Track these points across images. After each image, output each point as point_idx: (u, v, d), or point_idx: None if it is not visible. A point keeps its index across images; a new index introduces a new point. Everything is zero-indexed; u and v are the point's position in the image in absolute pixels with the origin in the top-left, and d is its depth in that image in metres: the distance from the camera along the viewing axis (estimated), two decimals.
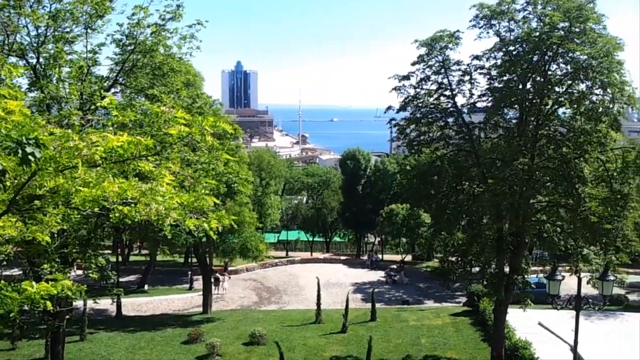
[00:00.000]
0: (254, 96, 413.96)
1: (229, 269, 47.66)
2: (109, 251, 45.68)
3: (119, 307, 35.19)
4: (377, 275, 48.94)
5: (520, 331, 27.71)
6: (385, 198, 57.65)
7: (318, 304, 32.77)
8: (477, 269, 25.05)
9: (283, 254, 61.51)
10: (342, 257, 58.89)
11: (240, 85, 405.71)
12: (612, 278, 16.52)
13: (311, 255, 61.09)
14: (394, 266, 49.24)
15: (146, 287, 44.48)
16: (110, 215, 8.41)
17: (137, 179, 8.33)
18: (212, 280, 41.81)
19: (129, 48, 19.54)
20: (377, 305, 34.76)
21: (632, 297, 38.25)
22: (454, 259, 25.15)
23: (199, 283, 41.75)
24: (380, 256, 57.94)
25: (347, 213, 59.57)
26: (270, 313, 37.07)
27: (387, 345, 27.96)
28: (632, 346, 27.43)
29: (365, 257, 57.40)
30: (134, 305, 39.13)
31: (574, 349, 17.54)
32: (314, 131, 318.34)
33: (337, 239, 71.55)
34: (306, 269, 50.86)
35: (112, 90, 20.59)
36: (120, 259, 44.34)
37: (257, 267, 50.59)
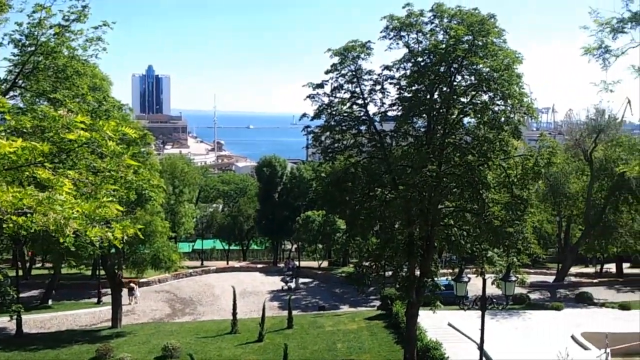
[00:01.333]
0: (167, 101, 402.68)
1: (139, 280, 45.81)
2: (7, 265, 42.62)
3: (18, 324, 32.81)
4: (294, 282, 48.96)
5: (432, 332, 28.67)
6: (302, 205, 57.88)
7: (234, 313, 32.26)
8: (390, 273, 25.65)
9: (198, 263, 60.10)
10: (259, 265, 58.45)
11: (152, 90, 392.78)
12: (513, 278, 17.47)
13: (227, 264, 60.13)
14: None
15: (50, 302, 41.80)
16: (4, 226, 7.81)
17: (33, 187, 7.80)
18: (127, 290, 40.17)
19: (29, 49, 18.42)
20: (294, 312, 34.73)
21: (533, 295, 40.73)
22: (367, 263, 25.62)
23: (108, 297, 39.83)
24: (297, 263, 58.03)
25: (264, 220, 59.24)
26: (184, 325, 36.02)
27: (304, 352, 27.98)
28: (533, 342, 29.20)
29: (282, 265, 57.29)
30: (37, 322, 36.68)
31: (480, 347, 18.32)
32: (230, 138, 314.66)
33: (254, 246, 70.91)
34: (222, 278, 49.97)
35: (11, 93, 19.33)
36: (20, 272, 41.43)
37: (170, 278, 49.04)
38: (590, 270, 58.05)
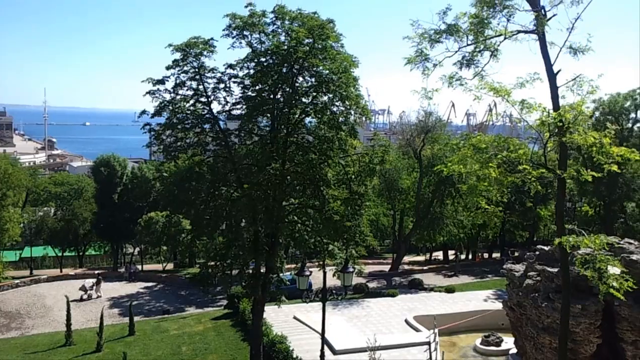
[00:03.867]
0: None
1: None
2: None
3: None
4: (137, 287, 46.74)
5: (278, 327, 29.32)
6: (144, 206, 55.43)
7: (68, 324, 29.99)
8: (237, 271, 25.67)
9: (27, 272, 54.77)
10: (97, 271, 54.77)
11: None
12: (351, 269, 18.47)
13: (61, 271, 55.51)
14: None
15: None
16: None
17: None
18: None
19: None
20: (136, 318, 33.23)
21: (371, 284, 43.34)
22: (213, 263, 25.37)
23: None
24: (140, 267, 55.47)
25: (102, 223, 55.65)
26: (9, 341, 32.60)
27: (147, 359, 26.93)
28: (372, 328, 31.14)
29: (123, 269, 54.34)
30: None
31: (322, 336, 19.13)
32: (63, 136, 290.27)
33: (91, 252, 66.38)
34: (54, 288, 45.98)
35: None
36: None
37: None
38: (421, 258, 63.32)
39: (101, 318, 29.61)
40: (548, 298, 24.58)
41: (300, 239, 24.26)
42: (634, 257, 24.70)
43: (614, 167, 10.35)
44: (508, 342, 29.52)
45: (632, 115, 50.05)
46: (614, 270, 12.41)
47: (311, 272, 19.75)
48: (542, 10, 10.62)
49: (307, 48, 22.54)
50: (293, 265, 37.16)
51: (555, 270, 22.72)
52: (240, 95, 23.83)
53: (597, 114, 49.21)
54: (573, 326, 22.92)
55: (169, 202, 26.98)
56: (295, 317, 32.52)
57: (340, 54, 23.25)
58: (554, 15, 10.60)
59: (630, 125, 50.45)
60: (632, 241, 28.08)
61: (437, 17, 10.93)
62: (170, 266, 57.11)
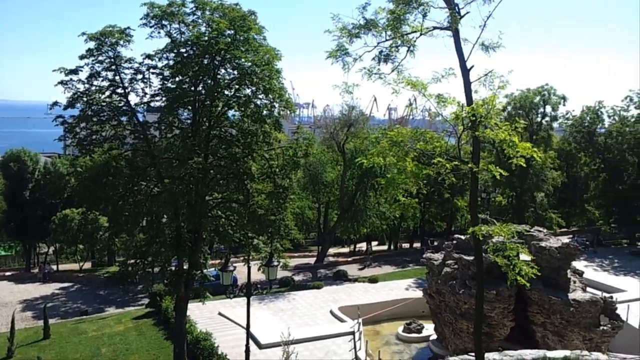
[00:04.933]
0: None
1: None
2: None
3: None
4: (52, 288, 44.43)
5: (202, 324, 28.85)
6: (58, 202, 52.73)
7: None
8: (158, 268, 25.00)
9: None
10: (8, 273, 51.54)
11: None
12: (276, 263, 18.45)
13: None
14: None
15: None
16: None
17: None
18: None
19: None
20: (52, 320, 31.65)
21: (297, 277, 43.54)
22: (134, 261, 24.58)
23: None
24: (54, 267, 52.75)
25: (12, 222, 52.43)
26: None
27: None
28: (297, 321, 31.32)
29: (36, 270, 51.48)
30: None
31: (247, 331, 19.01)
32: None
33: (1, 252, 62.42)
34: None
35: None
36: None
37: None
38: (345, 250, 64.32)
39: (12, 322, 27.90)
40: (465, 285, 25.69)
41: (225, 234, 23.90)
42: (543, 244, 26.31)
43: (522, 162, 10.92)
44: (429, 329, 30.60)
45: (541, 109, 53.07)
46: (525, 257, 13.16)
47: (235, 267, 19.55)
48: (456, 8, 11.01)
49: (229, 39, 22.21)
50: (218, 261, 36.55)
51: (471, 258, 23.73)
52: (160, 86, 23.18)
53: (509, 108, 51.86)
54: (488, 311, 24.11)
55: (84, 199, 25.78)
56: (220, 313, 32.13)
57: (262, 47, 23.06)
58: (467, 13, 11.03)
59: (539, 119, 53.47)
60: (541, 229, 29.86)
61: (357, 12, 11.10)
62: (87, 265, 54.71)
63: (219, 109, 23.28)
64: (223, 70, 23.32)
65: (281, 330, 28.82)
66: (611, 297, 26.54)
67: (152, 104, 23.68)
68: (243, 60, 22.66)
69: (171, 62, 22.85)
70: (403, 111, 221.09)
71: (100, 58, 22.67)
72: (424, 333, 30.81)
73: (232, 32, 22.34)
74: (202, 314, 31.30)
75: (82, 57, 22.65)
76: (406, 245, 63.07)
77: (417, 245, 60.38)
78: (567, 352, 17.76)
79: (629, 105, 53.05)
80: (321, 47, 12.00)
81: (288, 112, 26.83)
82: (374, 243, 61.87)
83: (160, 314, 32.00)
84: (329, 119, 57.70)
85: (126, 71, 23.18)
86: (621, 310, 26.82)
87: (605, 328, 24.40)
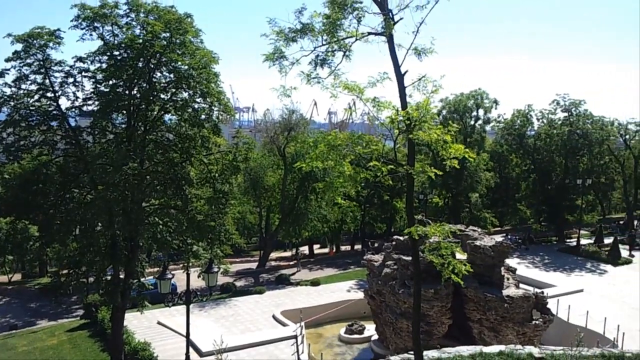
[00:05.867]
0: None
1: None
2: None
3: None
4: None
5: (140, 333, 28.07)
6: None
7: None
8: (93, 278, 24.20)
9: None
10: None
11: None
12: (216, 269, 18.19)
13: None
14: None
15: None
16: None
17: None
18: None
19: None
20: None
21: (239, 283, 43.04)
22: (67, 271, 23.68)
23: None
24: None
25: None
26: None
27: None
28: (240, 327, 31.01)
29: None
30: None
31: (187, 339, 18.65)
32: None
33: None
34: None
35: None
36: None
37: None
38: (287, 254, 64.19)
39: None
40: (404, 285, 26.22)
41: (163, 241, 23.40)
42: (478, 242, 27.22)
43: (455, 163, 11.29)
44: (370, 330, 31.02)
45: (475, 113, 54.95)
46: (460, 256, 13.60)
47: (174, 274, 19.15)
48: (390, 14, 11.26)
49: (165, 42, 21.87)
50: (156, 269, 35.69)
51: (410, 258, 24.24)
52: (92, 90, 22.55)
53: (444, 112, 53.44)
54: (427, 309, 24.72)
55: (12, 207, 24.61)
56: (159, 322, 31.35)
57: (200, 50, 22.82)
58: (400, 19, 11.30)
59: (473, 122, 55.33)
60: (476, 228, 30.91)
61: (294, 16, 11.16)
62: (17, 277, 52.06)
63: (155, 113, 22.84)
64: (159, 74, 22.91)
65: (223, 337, 28.53)
66: (542, 293, 27.80)
67: (84, 108, 22.99)
68: (180, 63, 22.34)
69: (104, 65, 22.25)
70: (343, 115, 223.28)
71: (28, 61, 21.85)
72: (366, 334, 31.20)
73: (168, 34, 22.00)
74: (141, 324, 30.46)
75: (8, 60, 21.77)
76: (347, 248, 63.67)
77: (358, 247, 61.07)
78: (502, 347, 18.42)
79: (556, 109, 55.72)
80: (262, 51, 11.97)
81: (227, 116, 26.61)
82: (315, 246, 62.08)
83: (96, 325, 30.87)
84: (269, 123, 57.51)
85: (56, 74, 22.47)
86: (552, 304, 28.14)
87: (537, 322, 25.50)
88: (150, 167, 22.39)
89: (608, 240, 48.96)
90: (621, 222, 60.23)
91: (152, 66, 22.19)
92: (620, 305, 32.90)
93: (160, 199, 23.46)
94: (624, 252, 46.52)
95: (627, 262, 44.44)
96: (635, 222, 59.49)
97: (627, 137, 60.33)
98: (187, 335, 18.44)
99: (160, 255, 35.18)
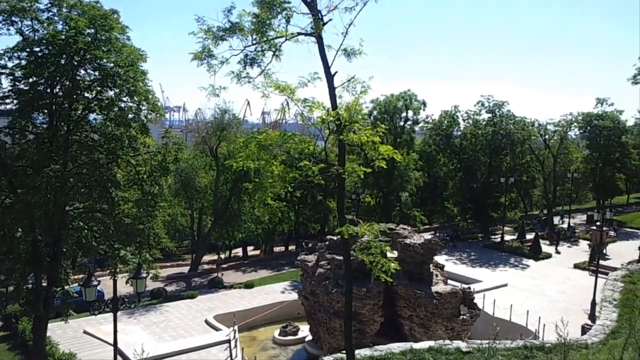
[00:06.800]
0: None
1: None
2: None
3: None
4: None
5: (65, 344, 26.92)
6: None
7: None
8: (13, 287, 22.88)
9: None
10: None
11: None
12: (145, 275, 17.67)
13: None
14: None
15: None
16: None
17: None
18: None
19: None
20: None
21: (170, 288, 42.05)
22: None
23: None
24: None
25: None
26: None
27: None
28: (171, 332, 30.25)
29: None
30: None
31: (114, 348, 18.03)
32: None
33: None
34: None
35: None
36: None
37: None
38: (221, 256, 63.32)
39: None
40: (337, 284, 26.47)
41: (88, 246, 22.44)
42: (408, 240, 27.89)
43: (383, 163, 11.50)
44: (304, 330, 31.10)
45: (404, 114, 56.28)
46: (390, 254, 13.86)
47: (100, 281, 18.43)
48: (319, 15, 11.33)
49: (89, 39, 21.07)
50: (81, 275, 34.21)
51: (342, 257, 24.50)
52: (10, 88, 21.37)
53: (375, 113, 54.41)
54: (359, 308, 25.06)
55: None
56: (85, 332, 30.07)
57: (126, 47, 22.13)
58: (330, 20, 11.38)
59: (402, 123, 56.65)
60: (406, 227, 31.69)
61: (223, 15, 11.00)
62: None
63: (79, 112, 21.91)
64: (83, 71, 22.03)
65: (154, 344, 27.76)
66: (469, 288, 28.84)
67: (1, 107, 21.69)
68: (105, 60, 21.58)
69: (23, 62, 21.11)
70: (277, 115, 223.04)
71: None
72: (300, 335, 31.25)
73: (93, 31, 21.20)
74: (65, 334, 29.13)
75: None
76: (282, 249, 63.58)
77: (292, 248, 61.10)
78: (431, 343, 18.98)
79: (481, 110, 57.92)
80: (193, 49, 11.70)
81: (156, 115, 25.91)
82: (249, 248, 61.59)
83: (16, 337, 29.23)
84: (201, 123, 56.54)
85: None
86: (478, 299, 29.25)
87: (464, 317, 26.42)
88: (74, 169, 21.47)
89: (530, 236, 51.40)
90: (542, 219, 63.43)
91: (76, 63, 21.30)
92: (540, 298, 34.64)
93: (85, 202, 22.48)
94: (546, 248, 48.93)
95: (547, 256, 46.84)
96: (556, 219, 62.89)
97: (547, 137, 63.70)
98: (115, 344, 17.83)
99: (86, 261, 33.81)
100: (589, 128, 62.99)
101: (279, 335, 31.46)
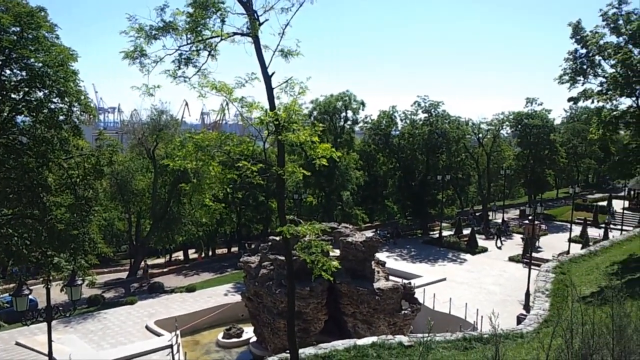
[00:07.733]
0: None
1: None
2: None
3: None
4: None
5: None
6: None
7: None
8: None
9: None
10: None
11: None
12: (80, 282, 17.04)
13: None
14: None
15: None
16: None
17: None
18: None
19: None
20: None
21: (108, 294, 40.76)
22: None
23: None
24: None
25: None
26: None
27: None
28: (110, 340, 29.33)
29: None
30: None
31: (49, 359, 17.30)
32: None
33: None
34: None
35: None
36: None
37: None
38: (161, 260, 61.89)
39: None
40: (281, 284, 26.42)
41: (19, 254, 21.49)
42: (350, 239, 28.21)
43: (324, 162, 11.59)
44: (248, 332, 30.87)
45: (344, 114, 56.85)
46: (332, 253, 13.98)
47: (32, 290, 17.61)
48: (255, 15, 11.28)
49: (15, 37, 20.16)
50: (12, 285, 32.63)
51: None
52: None
53: (315, 113, 54.68)
54: (303, 307, 25.13)
55: None
56: (17, 343, 28.64)
57: (56, 46, 21.36)
58: (266, 20, 11.34)
59: (342, 123, 57.20)
60: (348, 225, 32.02)
61: (155, 14, 10.77)
62: None
63: (6, 114, 20.97)
64: (9, 71, 21.11)
65: (92, 352, 26.84)
66: (410, 283, 29.48)
67: None
68: (33, 60, 20.75)
69: None
70: (216, 116, 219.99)
71: None
72: (244, 337, 31.00)
73: (19, 29, 20.28)
74: None
75: None
76: (224, 250, 62.83)
77: (235, 249, 60.48)
78: (374, 339, 19.23)
79: (418, 110, 59.24)
80: (125, 48, 11.35)
81: (89, 116, 25.07)
82: (190, 251, 60.53)
83: None
84: (137, 124, 54.97)
85: None
86: (419, 294, 29.91)
87: (406, 312, 26.98)
88: (1, 174, 20.49)
89: (466, 231, 53.05)
90: (477, 214, 65.58)
91: (1, 63, 20.33)
92: (478, 291, 35.84)
93: (14, 208, 21.51)
94: (482, 242, 50.63)
95: (484, 250, 48.50)
96: (491, 214, 65.19)
97: (480, 135, 65.90)
98: (50, 354, 17.10)
99: (16, 270, 32.31)
100: (519, 126, 65.72)
101: (223, 338, 31.09)
